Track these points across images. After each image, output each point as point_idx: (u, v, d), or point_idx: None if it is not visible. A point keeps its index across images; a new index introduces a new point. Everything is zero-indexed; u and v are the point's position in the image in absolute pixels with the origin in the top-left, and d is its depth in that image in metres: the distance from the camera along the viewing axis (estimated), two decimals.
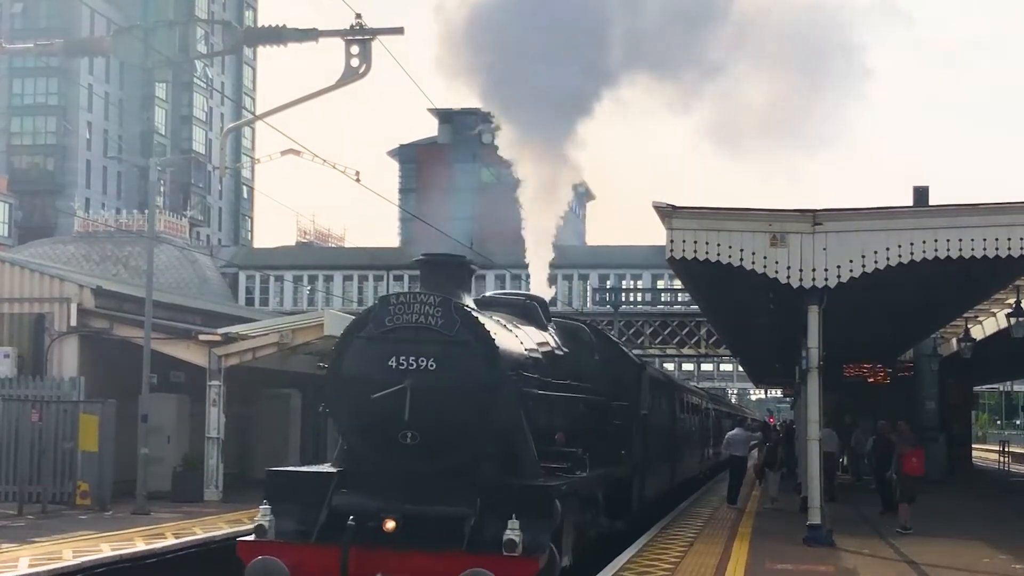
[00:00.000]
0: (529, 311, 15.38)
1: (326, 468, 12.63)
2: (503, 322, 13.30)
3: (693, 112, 20.77)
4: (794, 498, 23.04)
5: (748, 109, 20.95)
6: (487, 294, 16.64)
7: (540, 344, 14.33)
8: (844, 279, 16.55)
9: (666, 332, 47.99)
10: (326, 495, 11.71)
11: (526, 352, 13.31)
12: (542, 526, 11.15)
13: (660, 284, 58.15)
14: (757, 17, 19.59)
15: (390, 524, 11.10)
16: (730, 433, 28.29)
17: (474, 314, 12.19)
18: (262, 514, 11.54)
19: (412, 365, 11.53)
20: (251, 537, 11.50)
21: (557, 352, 15.06)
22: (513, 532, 10.75)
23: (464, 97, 16.72)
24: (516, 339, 13.23)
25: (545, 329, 15.34)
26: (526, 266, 19.09)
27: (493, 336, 11.94)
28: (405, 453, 11.50)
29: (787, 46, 19.74)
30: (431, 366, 11.53)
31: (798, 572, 14.58)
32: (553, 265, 18.93)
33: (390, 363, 11.58)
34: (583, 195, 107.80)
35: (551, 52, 17.47)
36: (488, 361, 11.74)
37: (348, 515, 11.11)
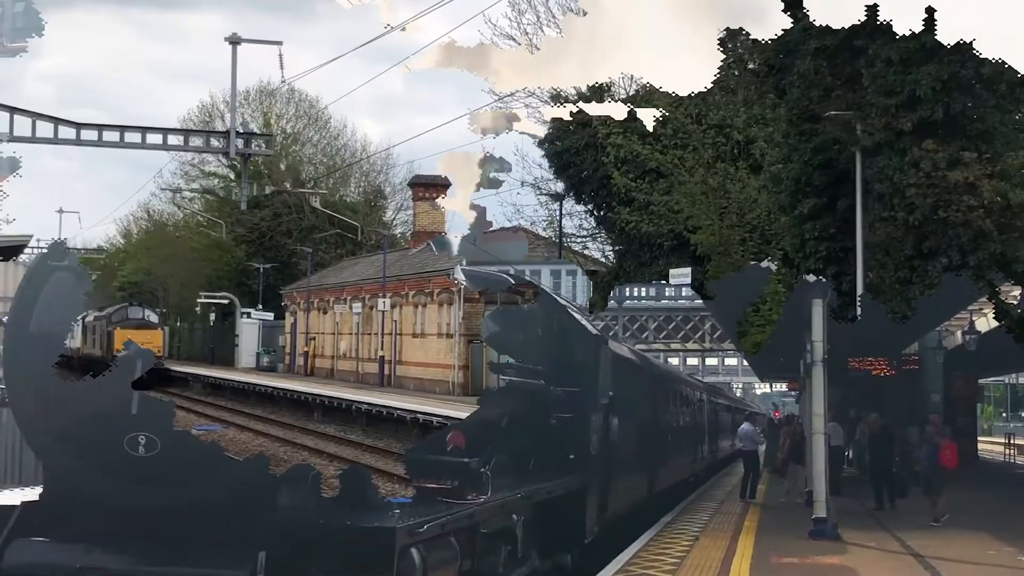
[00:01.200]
0: None
1: (11, 496, 8.04)
2: None
3: None
4: (800, 492, 23.03)
5: None
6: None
7: None
8: None
9: (670, 327, 47.80)
10: None
11: None
12: None
13: None
14: None
15: None
16: (740, 428, 28.37)
17: None
18: None
19: None
20: None
21: None
22: None
23: None
24: None
25: None
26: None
27: None
28: (137, 473, 7.03)
29: None
30: None
31: (803, 565, 14.54)
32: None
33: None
34: None
35: None
36: None
37: None
